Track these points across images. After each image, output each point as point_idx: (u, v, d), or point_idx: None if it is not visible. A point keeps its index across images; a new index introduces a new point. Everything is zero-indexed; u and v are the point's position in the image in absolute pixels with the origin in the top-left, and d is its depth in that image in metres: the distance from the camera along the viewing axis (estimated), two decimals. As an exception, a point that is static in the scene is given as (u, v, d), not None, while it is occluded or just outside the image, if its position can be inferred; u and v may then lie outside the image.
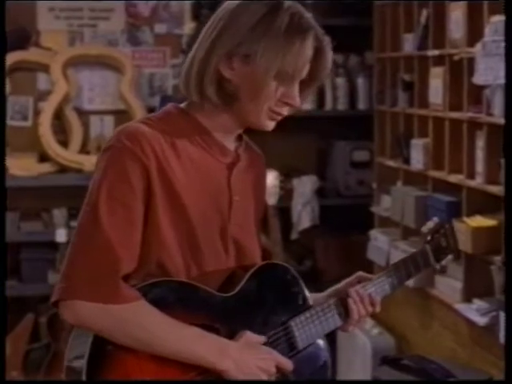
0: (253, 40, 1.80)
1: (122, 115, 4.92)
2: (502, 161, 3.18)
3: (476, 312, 3.51)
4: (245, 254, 1.95)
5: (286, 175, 4.84)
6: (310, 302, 2.00)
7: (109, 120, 5.06)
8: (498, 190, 3.35)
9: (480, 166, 3.53)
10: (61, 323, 4.47)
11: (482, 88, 3.46)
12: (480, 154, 3.54)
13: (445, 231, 2.24)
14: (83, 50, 5.03)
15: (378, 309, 2.06)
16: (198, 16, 4.88)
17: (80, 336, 1.78)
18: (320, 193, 5.11)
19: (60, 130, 4.97)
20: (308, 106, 5.10)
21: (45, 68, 4.91)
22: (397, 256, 3.89)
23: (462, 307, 3.65)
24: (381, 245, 4.47)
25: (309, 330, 1.95)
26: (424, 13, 4.12)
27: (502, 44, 3.17)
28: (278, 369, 1.87)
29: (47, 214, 4.91)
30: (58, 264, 4.53)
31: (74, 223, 4.42)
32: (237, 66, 1.82)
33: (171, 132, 1.85)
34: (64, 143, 4.92)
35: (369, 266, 4.39)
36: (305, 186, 5.05)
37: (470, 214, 3.60)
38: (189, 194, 1.83)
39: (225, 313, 1.85)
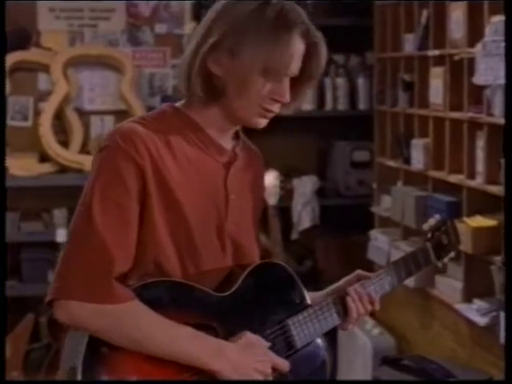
0: (239, 35, 1.80)
1: (122, 115, 4.91)
2: (502, 161, 3.18)
3: (476, 312, 3.51)
4: (242, 252, 1.94)
5: (287, 175, 4.84)
6: (308, 300, 1.99)
7: (109, 120, 5.06)
8: (498, 190, 3.35)
9: (480, 166, 3.53)
10: (61, 323, 4.47)
11: (482, 88, 3.47)
12: (480, 154, 3.54)
13: (446, 228, 2.22)
14: (83, 50, 5.03)
15: (377, 307, 2.05)
16: (199, 16, 4.87)
17: (75, 336, 1.78)
18: (320, 193, 5.11)
19: (60, 130, 4.97)
20: (308, 106, 5.11)
21: (45, 68, 4.90)
22: (397, 256, 3.85)
23: (462, 307, 3.65)
24: (381, 245, 4.47)
25: (307, 329, 1.95)
26: (424, 13, 4.12)
27: (503, 44, 3.17)
28: (275, 370, 1.86)
29: (47, 214, 4.91)
30: (59, 264, 4.53)
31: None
32: (224, 61, 1.82)
33: (166, 131, 1.84)
34: (64, 143, 4.92)
35: (369, 266, 4.39)
36: (305, 186, 5.05)
37: (471, 214, 3.60)
38: (185, 193, 1.83)
39: (221, 312, 1.85)
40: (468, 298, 3.64)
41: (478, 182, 3.56)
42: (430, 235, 2.20)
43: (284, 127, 5.08)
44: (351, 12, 5.10)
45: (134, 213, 1.79)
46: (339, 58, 5.22)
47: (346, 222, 5.09)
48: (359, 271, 2.09)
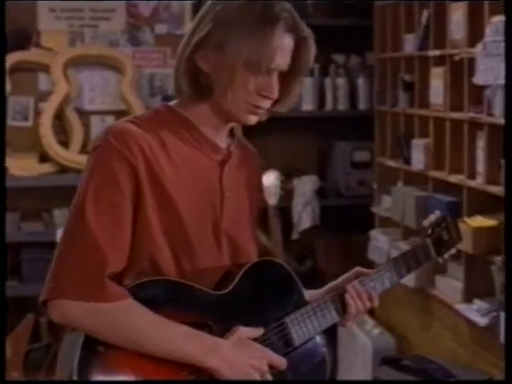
0: (225, 30, 1.81)
1: (122, 115, 4.89)
2: (503, 161, 3.18)
3: (476, 312, 3.51)
4: (239, 251, 1.94)
5: (287, 175, 4.84)
6: (306, 298, 1.99)
7: (109, 120, 5.05)
8: (498, 190, 3.35)
9: (480, 167, 3.53)
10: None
11: (482, 88, 3.46)
12: (480, 155, 3.54)
13: (447, 224, 2.20)
14: (84, 50, 5.03)
15: (376, 303, 2.04)
16: (199, 16, 4.88)
17: (72, 336, 1.78)
18: (320, 193, 5.11)
19: (61, 130, 4.97)
20: (309, 106, 5.11)
21: (45, 68, 4.90)
22: (397, 256, 3.89)
23: (462, 307, 3.65)
24: (381, 245, 4.47)
25: (305, 327, 1.94)
26: (425, 13, 4.12)
27: (503, 44, 3.17)
28: (272, 367, 1.86)
29: (48, 215, 4.91)
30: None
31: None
32: (212, 57, 1.83)
33: (160, 130, 1.85)
34: (65, 143, 4.92)
35: (369, 267, 4.31)
36: (305, 186, 5.05)
37: (471, 214, 3.60)
38: (179, 192, 1.83)
39: (219, 311, 1.85)
40: (468, 298, 3.64)
41: (478, 182, 3.56)
42: (430, 231, 2.19)
43: (284, 127, 5.09)
44: (351, 12, 5.10)
45: (127, 212, 1.79)
46: (339, 58, 5.22)
47: (347, 222, 5.09)
48: (358, 268, 2.09)
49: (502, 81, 3.20)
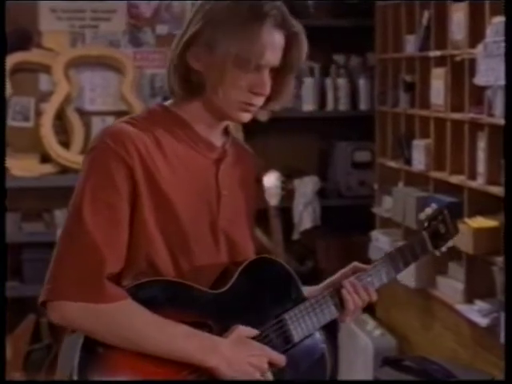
0: (213, 29, 1.81)
1: (123, 116, 4.88)
2: (503, 161, 3.18)
3: (477, 313, 3.51)
4: (237, 249, 1.94)
5: (288, 176, 4.84)
6: (304, 294, 1.99)
7: (110, 121, 5.04)
8: (499, 190, 3.35)
9: (481, 167, 3.53)
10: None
11: (483, 89, 3.47)
12: (481, 155, 3.54)
13: (443, 217, 2.18)
14: (85, 50, 5.03)
15: (374, 298, 2.03)
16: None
17: (72, 337, 1.78)
18: (321, 193, 5.11)
19: (61, 130, 4.97)
20: (309, 106, 5.11)
21: (46, 69, 4.91)
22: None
23: (463, 308, 3.65)
24: (382, 245, 4.47)
25: (304, 323, 1.94)
26: (426, 14, 4.12)
27: (504, 45, 3.17)
28: (271, 364, 1.86)
29: (49, 215, 4.91)
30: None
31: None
32: (202, 56, 1.83)
33: (155, 130, 1.85)
34: (65, 144, 4.92)
35: (370, 267, 4.38)
36: (306, 186, 5.05)
37: (472, 214, 3.60)
38: (176, 192, 1.83)
39: (217, 310, 1.85)
40: (469, 298, 3.64)
41: (479, 182, 3.56)
42: (426, 224, 2.18)
43: (285, 128, 5.09)
44: (352, 13, 5.10)
45: (124, 213, 1.79)
46: (340, 59, 5.22)
47: (347, 222, 5.09)
48: (355, 263, 2.09)
49: (502, 81, 3.20)
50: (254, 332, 1.86)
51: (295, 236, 5.06)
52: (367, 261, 2.05)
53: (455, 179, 3.78)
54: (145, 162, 1.80)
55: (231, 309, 1.87)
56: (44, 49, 4.98)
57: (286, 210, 4.83)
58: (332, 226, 5.15)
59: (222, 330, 1.84)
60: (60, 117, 4.95)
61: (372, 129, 4.86)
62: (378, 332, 4.44)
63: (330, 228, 5.15)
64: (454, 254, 3.76)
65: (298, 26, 1.86)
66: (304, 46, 1.87)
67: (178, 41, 1.87)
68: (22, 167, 4.82)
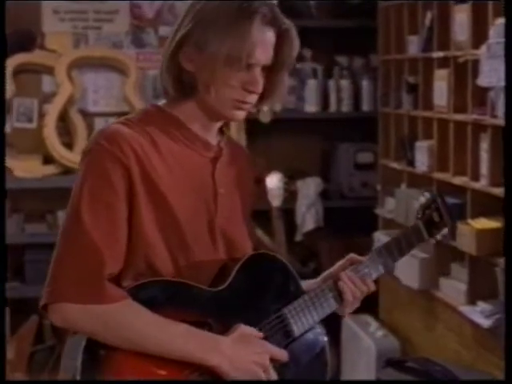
0: (204, 28, 1.82)
1: (126, 117, 4.91)
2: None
3: (480, 314, 3.51)
4: (235, 247, 1.95)
5: (290, 177, 4.85)
6: (303, 288, 2.00)
7: (113, 122, 5.06)
8: (502, 192, 3.34)
9: (484, 168, 3.53)
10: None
11: (486, 90, 3.46)
12: (484, 156, 3.53)
13: (437, 206, 2.19)
14: (88, 52, 5.04)
15: (372, 289, 2.04)
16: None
17: (75, 338, 1.78)
18: (324, 195, 5.11)
19: (65, 131, 4.97)
20: (312, 107, 5.11)
21: (49, 70, 4.91)
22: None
23: (466, 309, 3.64)
24: (385, 247, 4.46)
25: (304, 316, 1.95)
26: (428, 15, 4.12)
27: (507, 46, 3.17)
28: (273, 360, 1.86)
29: (51, 216, 4.92)
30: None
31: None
32: (194, 56, 1.84)
33: (151, 130, 1.86)
34: (68, 145, 4.92)
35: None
36: (309, 187, 5.05)
37: (475, 216, 3.60)
38: (173, 191, 1.84)
39: (217, 307, 1.85)
40: (472, 300, 3.63)
41: (482, 183, 3.56)
42: (420, 213, 2.19)
43: (288, 129, 5.09)
44: (355, 14, 5.10)
45: (122, 213, 1.80)
46: (343, 60, 5.22)
47: (350, 223, 5.09)
48: (352, 255, 2.11)
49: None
50: (256, 331, 1.86)
51: (298, 237, 5.06)
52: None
53: (458, 180, 3.78)
54: (141, 162, 1.81)
55: (231, 306, 1.87)
56: (47, 50, 4.99)
57: (288, 212, 4.83)
58: (335, 228, 5.15)
59: (222, 328, 1.84)
60: (63, 118, 4.96)
61: (375, 130, 4.86)
62: (380, 333, 4.44)
63: (332, 229, 5.15)
64: (457, 255, 3.76)
65: (288, 23, 1.87)
66: (295, 42, 1.88)
67: (169, 42, 1.88)
68: (25, 168, 4.82)
